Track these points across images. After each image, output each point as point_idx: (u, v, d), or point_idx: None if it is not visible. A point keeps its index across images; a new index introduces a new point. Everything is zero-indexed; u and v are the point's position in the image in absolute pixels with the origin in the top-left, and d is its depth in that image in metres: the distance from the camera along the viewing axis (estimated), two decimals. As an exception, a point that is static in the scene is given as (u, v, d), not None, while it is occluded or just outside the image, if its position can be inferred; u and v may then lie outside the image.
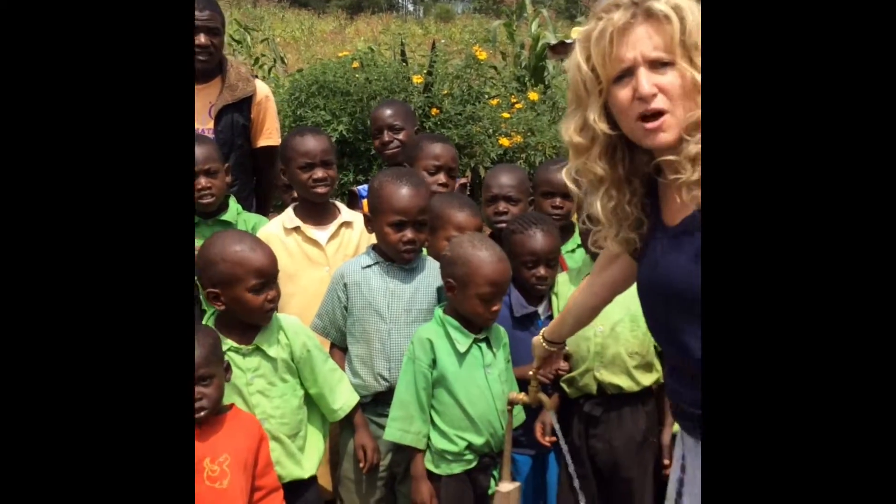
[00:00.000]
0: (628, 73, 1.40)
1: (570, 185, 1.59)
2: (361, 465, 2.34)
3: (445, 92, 4.99)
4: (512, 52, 7.03)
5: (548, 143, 4.77)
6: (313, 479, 2.29)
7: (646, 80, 1.38)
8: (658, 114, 1.40)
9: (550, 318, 2.51)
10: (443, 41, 6.87)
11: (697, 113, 1.37)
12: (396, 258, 2.41)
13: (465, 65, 5.27)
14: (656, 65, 1.39)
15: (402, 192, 2.37)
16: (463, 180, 3.33)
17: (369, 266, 2.43)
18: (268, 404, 2.17)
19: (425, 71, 5.08)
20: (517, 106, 5.12)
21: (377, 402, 2.38)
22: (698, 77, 1.36)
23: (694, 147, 1.38)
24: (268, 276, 2.16)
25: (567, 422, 2.52)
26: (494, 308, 2.26)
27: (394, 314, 2.39)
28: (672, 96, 1.39)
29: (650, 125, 1.40)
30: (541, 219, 2.57)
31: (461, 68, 5.23)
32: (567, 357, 2.47)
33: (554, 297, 2.58)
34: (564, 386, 2.52)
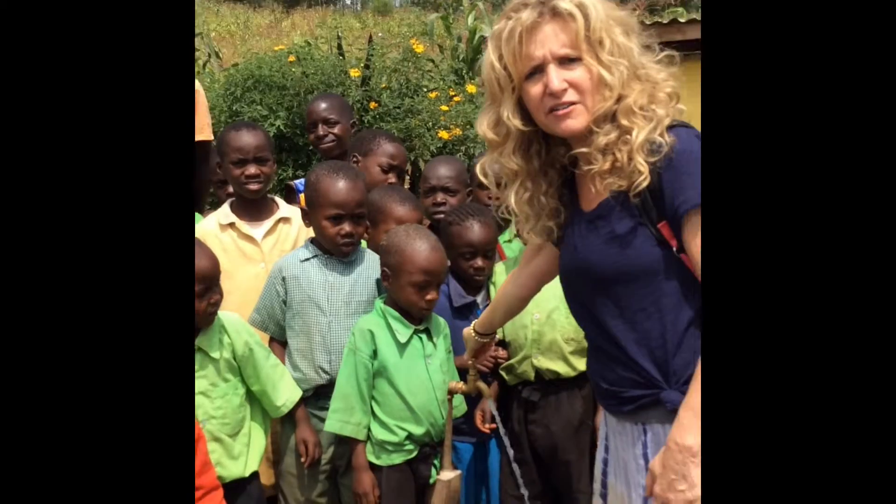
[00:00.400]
0: (539, 69, 1.47)
1: (482, 179, 1.65)
2: (303, 459, 2.34)
3: (384, 85, 4.98)
4: (449, 45, 7.05)
5: (486, 135, 4.80)
6: (254, 474, 2.28)
7: (555, 77, 1.45)
8: (569, 104, 1.47)
9: (489, 307, 2.55)
10: (380, 34, 6.86)
11: (605, 105, 1.45)
12: (335, 251, 2.41)
13: (403, 58, 5.26)
14: (565, 61, 1.46)
15: (339, 186, 2.37)
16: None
17: (308, 259, 2.42)
18: (209, 405, 2.15)
19: (363, 64, 5.06)
20: (455, 99, 5.13)
21: (318, 396, 2.38)
22: (604, 72, 1.44)
23: (603, 138, 1.46)
24: (210, 280, 2.13)
25: (507, 408, 2.57)
26: (429, 297, 2.27)
27: (333, 307, 2.39)
28: (581, 90, 1.47)
29: (560, 112, 1.48)
30: (478, 210, 2.59)
31: (399, 61, 5.22)
32: (504, 345, 2.51)
33: (492, 287, 2.61)
34: (503, 373, 2.56)
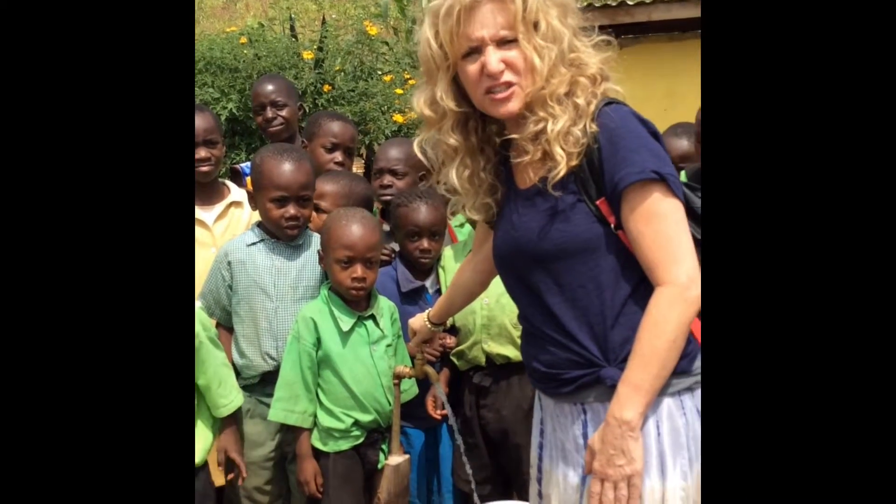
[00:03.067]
0: (476, 50, 1.47)
1: (420, 156, 1.65)
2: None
3: (337, 68, 4.94)
4: (404, 28, 6.99)
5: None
6: (201, 466, 2.23)
7: (493, 58, 1.45)
8: (507, 85, 1.47)
9: (439, 291, 2.53)
10: (334, 16, 6.78)
11: (533, 89, 1.45)
12: (280, 235, 2.38)
13: (357, 40, 5.22)
14: (502, 42, 1.46)
15: (283, 168, 2.34)
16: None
17: (254, 244, 2.39)
18: None
19: (316, 46, 5.01)
20: (410, 82, 5.11)
21: (265, 382, 2.35)
22: (534, 57, 1.44)
23: (533, 126, 1.47)
24: None
25: (458, 394, 2.56)
26: (354, 275, 2.23)
27: (280, 292, 2.36)
28: (517, 70, 1.46)
29: (499, 96, 1.48)
30: (427, 193, 2.57)
31: (353, 44, 5.18)
32: (454, 331, 2.51)
33: (441, 271, 2.59)
34: (454, 359, 2.55)
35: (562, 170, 1.44)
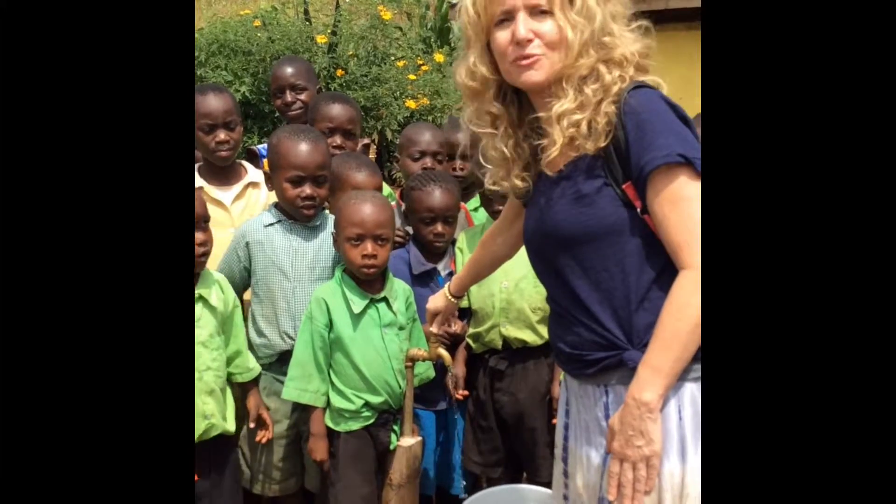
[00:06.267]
0: (509, 17, 1.47)
1: (471, 128, 1.64)
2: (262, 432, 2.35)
3: (350, 53, 4.92)
4: (417, 13, 6.97)
5: (454, 105, 4.78)
6: (234, 437, 2.28)
7: (523, 25, 1.45)
8: (534, 57, 1.46)
9: (451, 274, 2.53)
10: (348, 0, 6.76)
11: (561, 66, 1.45)
12: (296, 214, 2.40)
13: (370, 25, 5.20)
14: (536, 12, 1.46)
15: (300, 148, 2.35)
16: (366, 141, 3.30)
17: (272, 224, 2.40)
18: (208, 356, 2.13)
19: (330, 31, 5.00)
20: (423, 68, 5.09)
21: (283, 361, 2.36)
22: (568, 30, 1.43)
23: (557, 107, 1.46)
24: (197, 218, 2.11)
25: (473, 376, 2.58)
26: (364, 252, 2.23)
27: (298, 272, 2.38)
28: (547, 43, 1.46)
29: (523, 62, 1.47)
30: (442, 176, 2.59)
31: (366, 29, 5.16)
32: (466, 314, 2.52)
33: (458, 253, 2.60)
34: (470, 341, 2.57)
35: (554, 152, 1.46)
